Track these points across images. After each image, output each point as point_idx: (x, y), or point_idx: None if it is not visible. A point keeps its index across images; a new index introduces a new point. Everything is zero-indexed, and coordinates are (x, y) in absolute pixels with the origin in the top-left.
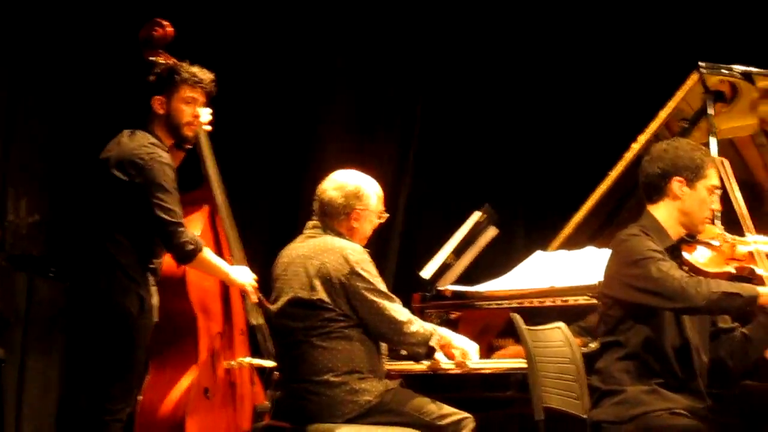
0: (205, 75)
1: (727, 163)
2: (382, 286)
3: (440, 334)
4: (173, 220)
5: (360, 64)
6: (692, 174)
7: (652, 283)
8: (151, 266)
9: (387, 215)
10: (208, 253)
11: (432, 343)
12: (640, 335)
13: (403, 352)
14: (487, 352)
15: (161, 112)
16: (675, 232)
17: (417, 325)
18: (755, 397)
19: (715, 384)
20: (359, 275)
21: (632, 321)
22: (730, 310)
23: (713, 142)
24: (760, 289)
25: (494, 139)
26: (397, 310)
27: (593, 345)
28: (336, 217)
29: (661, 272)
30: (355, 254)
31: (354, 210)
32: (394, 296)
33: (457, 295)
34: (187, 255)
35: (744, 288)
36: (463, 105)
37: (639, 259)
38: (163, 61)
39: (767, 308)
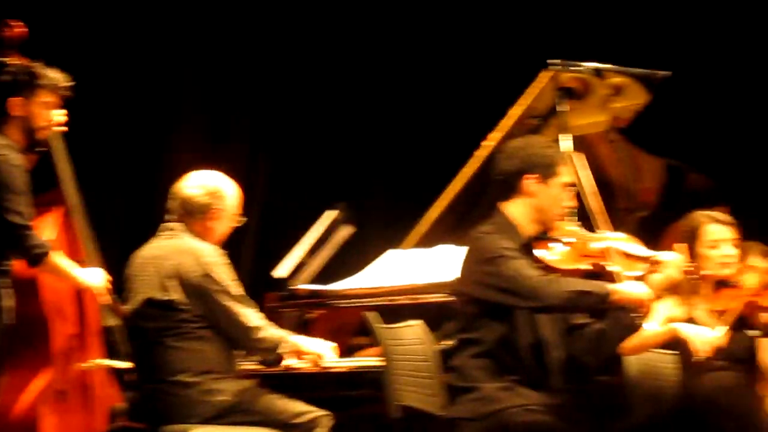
0: (63, 78)
1: (582, 157)
2: (235, 290)
3: (290, 341)
4: (22, 223)
5: (211, 67)
6: (545, 171)
7: (504, 282)
8: (2, 268)
9: (244, 219)
10: (57, 256)
11: (280, 350)
12: (496, 332)
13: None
14: (344, 351)
15: (17, 114)
16: (528, 229)
17: (267, 332)
18: (608, 393)
19: (570, 380)
20: (212, 278)
21: (487, 318)
22: (583, 308)
23: (565, 138)
24: (612, 287)
25: (348, 139)
26: (248, 314)
27: (449, 342)
28: (194, 216)
29: (514, 270)
30: (210, 256)
31: (212, 209)
32: (248, 300)
33: (311, 294)
34: (35, 258)
35: (596, 286)
36: (316, 104)
37: (492, 258)
38: (18, 62)
39: (620, 305)
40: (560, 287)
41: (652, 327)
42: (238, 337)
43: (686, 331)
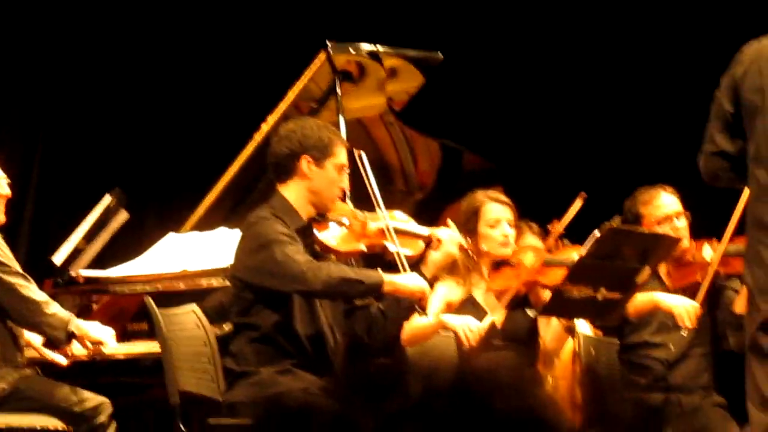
0: None
1: (363, 155)
2: (18, 267)
3: (77, 322)
4: None
5: None
6: (320, 153)
7: (275, 266)
8: None
9: (8, 191)
10: None
11: (71, 328)
12: (272, 317)
13: (39, 339)
14: (121, 336)
15: None
16: (306, 211)
17: (56, 308)
18: (386, 373)
19: (349, 362)
20: None
21: (263, 303)
22: (351, 295)
23: (342, 121)
24: (386, 277)
25: (122, 121)
26: (35, 290)
27: (227, 327)
28: None
29: (285, 255)
30: None
31: None
32: (30, 278)
33: (89, 280)
34: None
35: (369, 275)
36: (89, 90)
37: (265, 242)
38: None
39: (395, 296)
40: (329, 273)
41: (425, 319)
42: (26, 313)
43: (454, 322)
